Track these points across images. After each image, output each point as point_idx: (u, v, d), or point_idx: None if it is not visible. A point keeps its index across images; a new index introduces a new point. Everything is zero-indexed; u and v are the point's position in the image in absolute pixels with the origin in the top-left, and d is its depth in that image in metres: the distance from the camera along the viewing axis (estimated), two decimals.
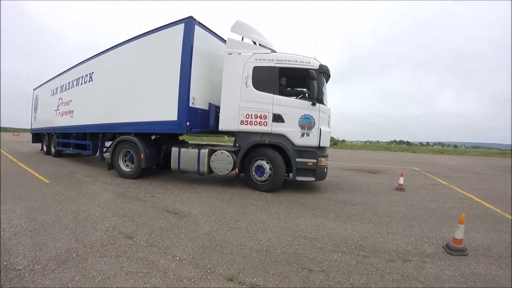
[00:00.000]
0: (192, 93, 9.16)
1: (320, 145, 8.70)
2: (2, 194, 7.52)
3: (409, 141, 78.12)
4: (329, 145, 9.32)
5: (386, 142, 75.29)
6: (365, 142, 69.43)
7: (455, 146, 69.76)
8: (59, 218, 5.83)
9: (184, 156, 9.54)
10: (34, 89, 21.65)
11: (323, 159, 8.78)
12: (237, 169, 9.10)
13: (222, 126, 9.30)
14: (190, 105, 9.15)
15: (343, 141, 54.08)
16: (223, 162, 9.10)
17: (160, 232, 5.23)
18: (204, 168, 9.23)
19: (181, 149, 9.63)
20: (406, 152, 42.93)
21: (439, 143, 72.97)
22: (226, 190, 8.98)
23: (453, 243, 4.87)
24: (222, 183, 10.03)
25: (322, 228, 5.83)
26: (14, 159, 15.65)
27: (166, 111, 9.37)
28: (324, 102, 9.01)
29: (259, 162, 8.98)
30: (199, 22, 9.31)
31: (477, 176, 16.44)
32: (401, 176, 10.91)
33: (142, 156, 10.07)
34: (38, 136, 21.13)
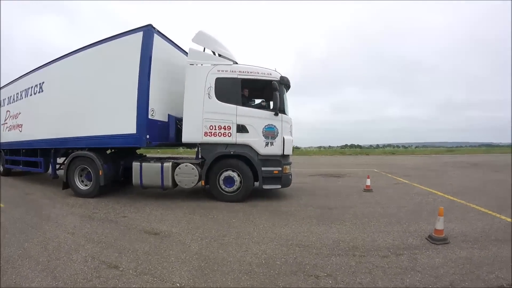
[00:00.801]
0: (151, 105, 8.83)
1: (284, 153, 8.88)
2: None
3: (359, 144, 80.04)
4: (292, 153, 9.40)
5: (338, 146, 76.67)
6: (318, 147, 70.34)
7: (404, 146, 72.08)
8: (26, 251, 5.06)
9: (147, 171, 9.12)
10: None
11: (287, 166, 9.01)
12: (203, 181, 8.92)
13: (185, 138, 9.12)
14: (150, 117, 8.81)
15: (298, 148, 54.49)
16: (188, 175, 8.91)
17: (147, 257, 4.73)
18: (168, 182, 8.93)
19: (143, 163, 9.18)
20: (360, 155, 43.86)
21: (389, 145, 75.34)
22: (200, 204, 8.68)
23: (435, 234, 5.35)
24: (190, 197, 9.65)
25: (311, 234, 5.80)
26: None
27: (124, 123, 8.92)
28: (286, 112, 9.20)
29: (228, 173, 8.89)
30: (158, 31, 9.06)
31: (433, 172, 17.33)
32: (368, 178, 11.21)
33: (100, 173, 9.45)
34: None
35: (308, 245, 5.18)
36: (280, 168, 8.78)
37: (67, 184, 10.17)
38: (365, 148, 70.81)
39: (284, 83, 9.15)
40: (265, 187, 8.80)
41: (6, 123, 14.63)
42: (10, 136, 14.18)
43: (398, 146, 75.33)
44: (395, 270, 4.11)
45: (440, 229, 5.32)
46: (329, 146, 76.58)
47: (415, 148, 66.01)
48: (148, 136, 8.73)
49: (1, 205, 8.65)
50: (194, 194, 10.11)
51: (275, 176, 8.80)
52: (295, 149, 50.71)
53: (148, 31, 8.77)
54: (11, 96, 14.44)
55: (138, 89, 8.72)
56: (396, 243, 5.23)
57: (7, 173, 15.77)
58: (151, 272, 4.17)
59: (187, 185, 8.97)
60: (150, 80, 8.76)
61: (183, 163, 9.04)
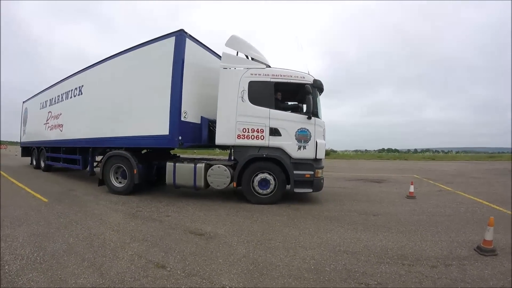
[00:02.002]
0: (184, 107, 9.05)
1: (317, 157, 8.79)
2: None
3: (397, 148, 78.28)
4: (324, 157, 9.31)
5: (375, 150, 75.24)
6: (355, 151, 69.27)
7: (444, 151, 69.92)
8: (71, 246, 5.08)
9: (180, 171, 9.35)
10: (23, 102, 21.33)
11: (319, 170, 8.87)
12: (234, 183, 8.97)
13: (218, 140, 9.22)
14: (182, 119, 9.04)
15: (334, 151, 53.76)
16: (221, 176, 9.01)
17: (194, 258, 4.67)
18: (200, 182, 9.07)
19: (177, 164, 9.43)
20: (398, 160, 42.88)
21: (427, 150, 73.21)
22: (242, 206, 8.64)
23: (484, 245, 5.11)
24: (230, 198, 9.65)
25: (358, 241, 5.64)
26: (4, 174, 15.06)
27: (158, 125, 9.22)
28: (319, 116, 9.08)
29: (263, 175, 8.88)
30: (190, 36, 9.27)
31: (476, 180, 16.57)
32: (411, 184, 10.91)
33: (135, 172, 9.76)
34: (27, 149, 20.77)
35: (356, 252, 5.03)
36: (312, 172, 8.65)
37: (102, 181, 10.66)
38: (403, 152, 69.08)
39: (317, 86, 9.07)
40: (296, 190, 8.69)
41: (48, 123, 15.95)
42: (51, 135, 15.48)
43: (437, 151, 73.05)
44: (445, 281, 3.99)
45: (489, 240, 5.11)
46: (366, 150, 75.34)
47: (456, 153, 63.84)
48: (180, 138, 8.95)
49: (45, 200, 8.89)
50: (234, 195, 10.08)
51: (306, 180, 8.69)
52: (332, 152, 50.15)
53: (180, 36, 8.99)
54: (52, 98, 15.66)
55: (171, 92, 8.98)
56: (444, 253, 5.05)
57: (48, 169, 16.90)
58: (200, 274, 4.09)
59: (219, 186, 9.06)
60: (183, 83, 8.98)
61: (215, 164, 9.16)
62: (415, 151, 75.68)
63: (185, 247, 5.15)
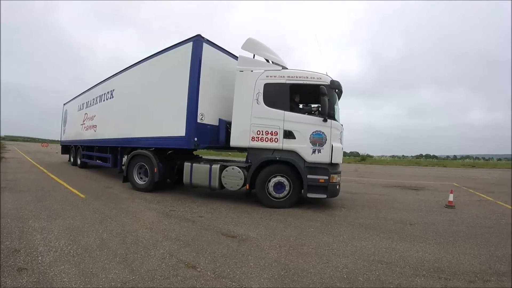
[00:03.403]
0: (200, 109, 9.32)
1: (332, 162, 8.55)
2: (36, 209, 7.31)
3: (435, 155, 76.34)
4: (341, 162, 9.17)
5: (412, 156, 73.61)
6: (392, 157, 67.99)
7: (485, 158, 67.60)
8: (104, 241, 5.21)
9: (196, 171, 9.58)
10: (64, 104, 23.33)
11: (335, 175, 8.59)
12: (247, 185, 8.93)
13: (233, 142, 9.30)
14: (199, 121, 9.30)
15: (370, 156, 52.99)
16: (234, 178, 9.07)
17: (225, 260, 4.64)
18: (215, 183, 9.20)
19: (193, 164, 9.68)
20: (437, 167, 41.91)
21: (467, 156, 70.92)
22: (276, 209, 8.50)
23: None
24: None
25: (393, 250, 5.46)
26: (45, 170, 16.07)
27: (176, 126, 9.60)
28: (336, 118, 8.90)
29: (278, 178, 8.79)
30: (207, 40, 9.55)
31: None
32: (451, 193, 10.52)
33: (155, 170, 10.25)
34: (66, 147, 22.58)
35: (390, 262, 4.87)
36: (326, 177, 8.40)
37: (126, 178, 11.28)
38: (442, 158, 67.33)
39: (335, 88, 8.86)
40: (310, 195, 8.49)
41: (84, 123, 17.47)
42: (87, 135, 17.02)
43: (478, 158, 70.66)
44: None
45: None
46: (403, 156, 73.86)
47: (498, 160, 61.62)
48: (196, 139, 9.26)
49: (82, 195, 9.19)
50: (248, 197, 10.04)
51: (321, 185, 8.44)
52: (368, 157, 49.38)
53: (197, 41, 9.32)
54: (88, 101, 17.12)
55: (188, 95, 9.31)
56: (483, 267, 4.77)
57: (83, 165, 18.46)
58: (230, 276, 4.06)
59: (233, 188, 9.11)
60: (200, 86, 9.26)
61: (230, 166, 9.23)
62: (455, 157, 73.63)
63: (216, 248, 5.14)
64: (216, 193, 10.50)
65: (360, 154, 56.17)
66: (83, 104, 18.11)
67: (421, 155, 75.89)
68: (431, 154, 76.80)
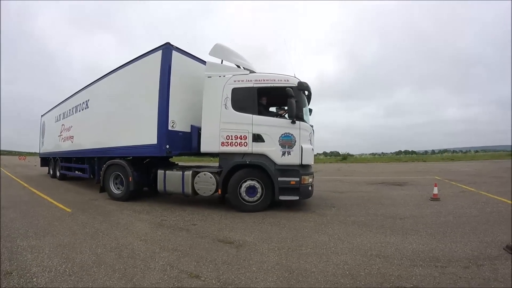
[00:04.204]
0: (171, 117, 9.43)
1: (303, 163, 8.57)
2: (22, 226, 7.01)
3: (414, 150, 77.51)
4: (313, 163, 9.29)
5: (392, 153, 74.57)
6: (372, 154, 68.70)
7: (462, 151, 68.94)
8: (99, 257, 4.99)
9: (169, 178, 9.63)
10: (41, 116, 22.84)
11: (306, 177, 8.59)
12: (219, 190, 8.98)
13: (203, 148, 9.32)
14: (170, 128, 9.40)
15: (351, 155, 53.41)
16: (206, 184, 9.09)
17: (227, 267, 4.58)
18: (188, 189, 9.21)
19: (166, 171, 9.75)
20: (417, 162, 42.59)
21: (445, 150, 72.21)
22: (268, 213, 8.50)
23: None
24: None
25: (388, 244, 5.63)
26: (25, 184, 15.71)
27: (148, 135, 9.66)
28: (306, 120, 9.04)
29: (250, 182, 8.78)
30: (176, 48, 9.66)
31: (498, 180, 16.46)
32: (435, 186, 10.85)
33: (130, 179, 10.33)
34: (45, 160, 22.35)
35: (387, 256, 5.01)
36: (297, 179, 8.38)
37: (103, 188, 11.34)
38: (420, 154, 68.35)
39: (303, 89, 8.88)
40: (282, 198, 8.46)
41: (61, 135, 17.16)
42: (64, 146, 16.66)
43: (455, 151, 71.97)
44: (478, 280, 4.04)
45: None
46: (382, 153, 74.72)
47: (475, 152, 62.81)
48: (168, 146, 9.33)
49: (68, 209, 9.03)
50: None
51: (292, 187, 8.42)
52: (349, 156, 49.76)
53: (166, 49, 9.42)
54: (65, 112, 16.90)
55: (158, 103, 9.41)
56: (475, 253, 5.07)
57: (63, 177, 18.11)
58: (235, 282, 4.05)
59: (205, 193, 9.12)
60: (170, 94, 9.36)
61: (202, 172, 9.23)
62: (433, 152, 74.88)
63: (216, 255, 5.08)
64: (206, 200, 10.47)
65: (341, 153, 56.67)
66: (60, 115, 17.97)
67: (400, 152, 76.99)
68: (410, 150, 78.00)
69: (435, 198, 10.30)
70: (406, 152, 75.72)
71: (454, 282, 3.97)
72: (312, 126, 9.28)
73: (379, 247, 5.46)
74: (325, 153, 66.71)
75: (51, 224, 7.19)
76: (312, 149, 9.09)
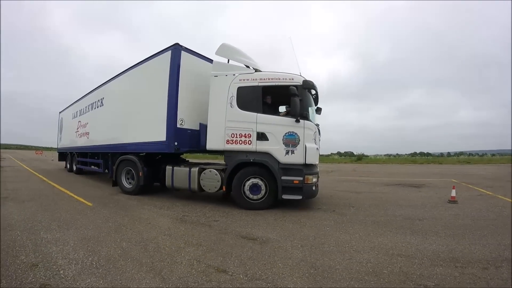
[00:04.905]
0: (180, 115, 9.77)
1: (307, 163, 8.48)
2: (45, 219, 7.18)
3: (429, 152, 76.47)
4: (317, 162, 9.27)
5: (406, 154, 73.64)
6: (387, 155, 67.98)
7: (479, 154, 67.87)
8: (125, 251, 5.06)
9: (177, 174, 9.95)
10: (59, 112, 24.08)
11: (310, 176, 8.53)
12: (224, 187, 9.10)
13: (209, 146, 9.42)
14: (178, 126, 9.75)
15: (366, 156, 52.92)
16: (211, 180, 9.25)
17: (253, 262, 4.66)
18: (194, 185, 9.45)
19: (174, 167, 10.08)
20: (433, 164, 42.14)
21: (460, 153, 71.13)
22: (288, 211, 8.54)
23: None
24: (275, 204, 9.19)
25: (408, 244, 5.67)
26: (44, 178, 16.28)
27: (157, 132, 10.05)
28: (312, 119, 8.96)
29: (254, 180, 8.86)
30: (185, 48, 10.01)
31: None
32: (453, 189, 10.72)
33: (140, 174, 10.75)
34: (62, 155, 23.35)
35: (409, 255, 5.06)
36: (301, 178, 8.35)
37: (115, 182, 11.93)
38: (436, 156, 67.46)
39: (308, 87, 8.88)
40: (285, 197, 8.46)
41: (78, 131, 18.11)
42: (81, 142, 17.65)
43: (471, 154, 70.83)
44: (497, 281, 4.08)
45: None
46: (397, 154, 73.91)
47: (492, 155, 61.77)
48: (176, 143, 9.70)
49: (89, 203, 9.20)
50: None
51: (296, 186, 8.40)
52: (364, 157, 49.36)
53: (175, 50, 9.80)
54: (81, 109, 17.79)
55: (167, 101, 9.79)
56: (493, 255, 5.10)
57: (79, 172, 19.01)
58: (263, 278, 4.10)
59: (210, 190, 9.28)
60: (179, 93, 9.71)
61: (208, 168, 9.42)
62: (448, 154, 73.84)
63: (241, 251, 5.15)
64: (225, 198, 10.52)
65: (355, 154, 56.19)
66: (76, 112, 18.78)
67: (415, 153, 76.02)
68: (425, 152, 76.98)
69: (453, 201, 10.19)
70: (421, 153, 74.75)
71: (473, 282, 4.03)
72: (317, 125, 9.29)
73: (400, 247, 5.50)
74: (339, 153, 66.33)
75: (74, 218, 7.30)
76: (317, 148, 9.00)
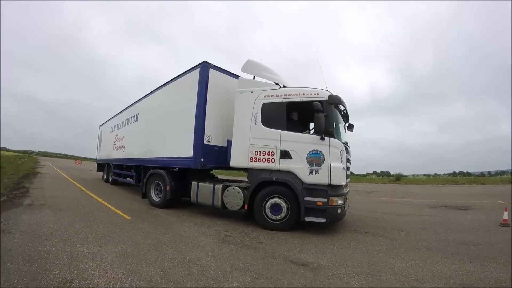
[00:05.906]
0: (208, 132, 9.93)
1: (332, 183, 7.92)
2: (82, 230, 7.09)
3: (469, 171, 73.98)
4: (344, 183, 8.60)
5: (445, 174, 71.49)
6: (426, 175, 66.17)
7: None
8: (167, 272, 4.76)
9: (202, 190, 9.95)
10: (100, 126, 25.93)
11: (335, 198, 7.93)
12: (246, 205, 8.89)
13: (233, 163, 9.36)
14: (205, 142, 9.88)
15: (404, 176, 51.53)
16: (234, 198, 9.11)
17: None
18: (218, 202, 9.37)
19: (200, 183, 10.11)
20: (474, 184, 40.51)
21: (502, 172, 68.37)
22: (335, 234, 8.20)
23: None
24: (322, 225, 8.85)
25: (469, 273, 5.33)
26: (82, 187, 16.91)
27: (185, 148, 10.26)
28: (338, 136, 8.51)
29: (275, 200, 8.47)
30: (213, 65, 10.20)
31: None
32: (505, 211, 10.19)
33: (167, 188, 10.94)
34: (101, 165, 24.72)
35: (471, 285, 4.76)
36: (325, 200, 7.82)
37: (145, 194, 12.30)
38: (476, 175, 65.12)
39: (334, 103, 8.42)
40: (307, 219, 7.99)
41: (115, 144, 19.14)
42: (117, 154, 18.61)
43: None
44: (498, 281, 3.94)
45: None
46: (435, 174, 71.88)
47: None
48: (202, 159, 9.84)
49: (127, 217, 9.20)
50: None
51: (319, 208, 7.89)
52: (402, 177, 48.06)
53: (204, 67, 10.05)
54: (119, 124, 18.93)
55: (195, 118, 9.99)
56: None
57: (114, 182, 20.05)
58: None
59: (233, 208, 9.13)
60: (206, 110, 9.91)
61: (231, 186, 9.33)
62: (489, 173, 71.21)
63: (293, 278, 4.80)
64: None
65: (391, 173, 54.97)
66: (114, 126, 19.96)
67: (455, 173, 73.74)
68: (465, 171, 74.56)
69: (505, 224, 9.71)
70: (460, 173, 72.41)
71: None
72: (346, 143, 8.90)
73: (461, 275, 5.16)
74: (375, 173, 65.14)
75: (112, 231, 7.16)
76: (343, 168, 8.34)
